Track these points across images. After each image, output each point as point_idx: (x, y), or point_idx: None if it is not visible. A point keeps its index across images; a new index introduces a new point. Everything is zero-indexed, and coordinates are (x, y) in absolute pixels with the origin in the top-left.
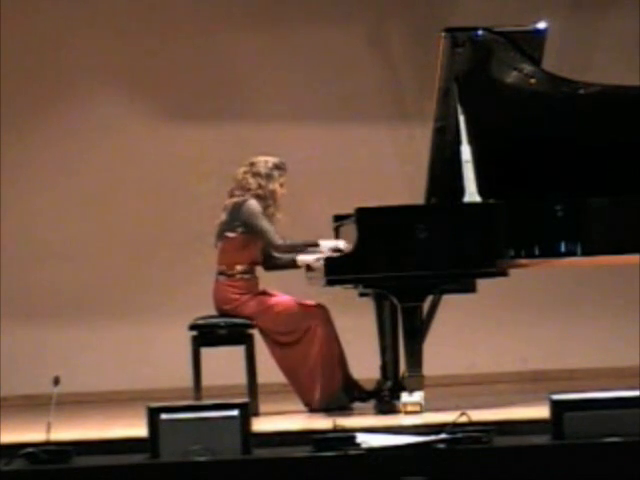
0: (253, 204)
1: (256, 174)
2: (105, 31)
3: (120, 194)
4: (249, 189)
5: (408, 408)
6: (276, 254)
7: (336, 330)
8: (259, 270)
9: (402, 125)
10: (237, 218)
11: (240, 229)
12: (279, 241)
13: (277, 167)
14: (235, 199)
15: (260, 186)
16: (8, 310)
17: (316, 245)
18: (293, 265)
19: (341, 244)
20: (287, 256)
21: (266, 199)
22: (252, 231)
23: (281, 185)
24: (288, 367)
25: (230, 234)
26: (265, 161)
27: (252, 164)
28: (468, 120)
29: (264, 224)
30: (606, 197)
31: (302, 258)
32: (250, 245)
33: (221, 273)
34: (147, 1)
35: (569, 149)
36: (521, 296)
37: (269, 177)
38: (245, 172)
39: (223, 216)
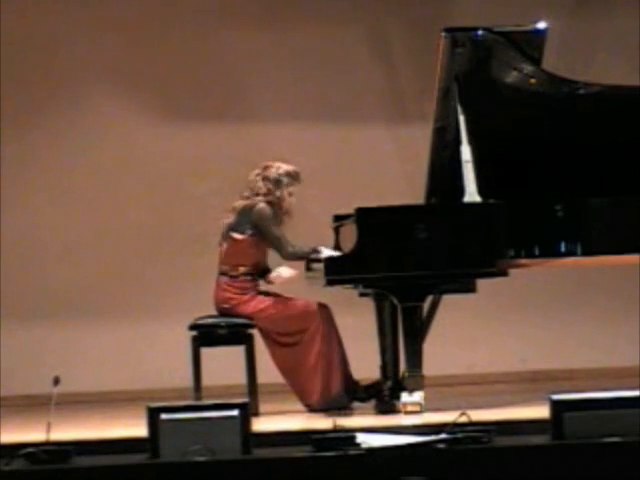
0: (265, 208)
1: (265, 178)
2: (105, 31)
3: (120, 194)
4: (258, 193)
5: (408, 408)
6: (285, 259)
7: (338, 330)
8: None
9: (402, 125)
10: (246, 221)
11: (249, 232)
12: (290, 249)
13: (288, 174)
14: (245, 202)
15: (269, 191)
16: (8, 310)
17: (317, 252)
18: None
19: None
20: (305, 250)
21: (273, 205)
22: (262, 235)
23: (290, 194)
24: (288, 368)
25: (237, 236)
26: (278, 167)
27: (265, 168)
28: (468, 120)
29: (276, 231)
30: (606, 197)
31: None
32: (256, 248)
33: (223, 273)
34: (147, 1)
35: (569, 149)
36: (521, 296)
37: (278, 183)
38: (257, 175)
39: (231, 217)
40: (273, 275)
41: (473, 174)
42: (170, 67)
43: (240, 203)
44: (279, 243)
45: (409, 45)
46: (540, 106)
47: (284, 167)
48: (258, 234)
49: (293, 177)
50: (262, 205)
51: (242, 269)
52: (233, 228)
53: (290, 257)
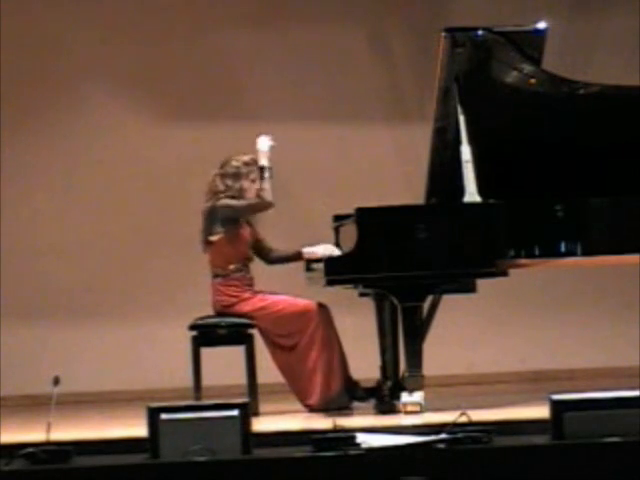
0: (223, 200)
1: (224, 175)
2: (104, 31)
3: (120, 194)
4: (217, 192)
5: (408, 408)
6: (241, 217)
7: (337, 330)
8: (258, 269)
9: (402, 125)
10: (214, 220)
11: (220, 230)
12: (236, 203)
13: (246, 164)
14: (208, 204)
15: (228, 187)
16: (8, 310)
17: (299, 254)
18: (297, 257)
19: (321, 250)
20: (286, 254)
21: (237, 199)
22: (228, 220)
23: (253, 181)
24: (287, 369)
25: (213, 238)
26: (234, 160)
27: (222, 165)
28: (468, 120)
29: (225, 201)
30: (606, 197)
31: (308, 250)
32: (235, 242)
33: (216, 275)
34: (146, 1)
35: (569, 149)
36: (521, 296)
37: (236, 176)
38: (215, 175)
39: (201, 223)
40: (307, 250)
41: (473, 174)
42: (170, 67)
43: (205, 206)
44: (230, 208)
45: (409, 45)
46: (540, 106)
47: (240, 158)
48: (228, 229)
49: (250, 164)
50: (221, 200)
51: (231, 266)
52: (206, 232)
53: (242, 209)
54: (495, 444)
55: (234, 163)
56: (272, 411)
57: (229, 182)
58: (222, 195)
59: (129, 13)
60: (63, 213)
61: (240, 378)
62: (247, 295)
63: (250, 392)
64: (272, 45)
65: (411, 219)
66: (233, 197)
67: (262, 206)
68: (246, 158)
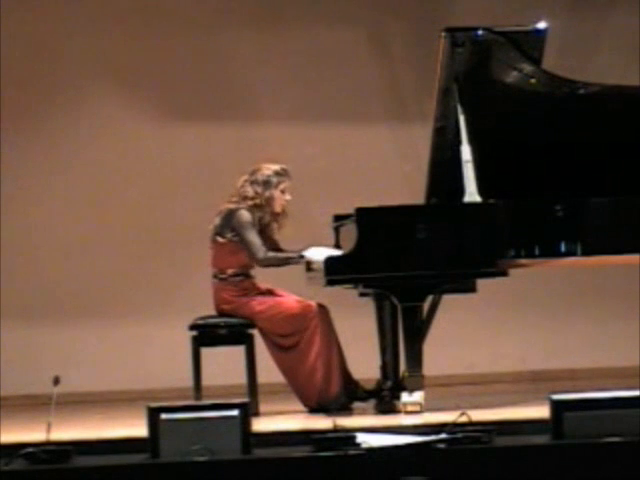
0: (244, 214)
1: (254, 182)
2: (105, 31)
3: (120, 194)
4: (245, 197)
5: (408, 408)
6: (259, 266)
7: (336, 330)
8: (258, 267)
9: (402, 125)
10: (228, 225)
11: (230, 235)
12: (262, 255)
13: (277, 174)
14: (230, 205)
15: (257, 194)
16: (8, 310)
17: (301, 257)
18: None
19: (326, 253)
20: (281, 256)
21: (263, 207)
22: (240, 240)
23: (282, 191)
24: (287, 369)
25: (220, 239)
26: (266, 168)
27: (252, 172)
28: (468, 120)
29: (250, 235)
30: (606, 197)
31: (309, 255)
32: (238, 252)
33: (214, 276)
34: (147, 1)
35: (569, 149)
36: (521, 296)
37: (266, 184)
38: (245, 180)
39: (216, 220)
40: (308, 254)
41: (473, 174)
42: (170, 67)
43: (225, 206)
44: (251, 248)
45: (409, 45)
46: (540, 106)
47: (272, 167)
48: (238, 239)
49: (281, 174)
50: (242, 211)
51: (230, 271)
52: (217, 231)
53: (264, 263)
54: (495, 444)
55: (265, 172)
56: (272, 411)
57: (259, 189)
58: (250, 202)
59: (131, 13)
60: (63, 213)
61: (240, 378)
62: (244, 300)
63: (250, 392)
64: (272, 45)
65: (411, 219)
66: (260, 206)
67: (274, 262)
68: (277, 167)
